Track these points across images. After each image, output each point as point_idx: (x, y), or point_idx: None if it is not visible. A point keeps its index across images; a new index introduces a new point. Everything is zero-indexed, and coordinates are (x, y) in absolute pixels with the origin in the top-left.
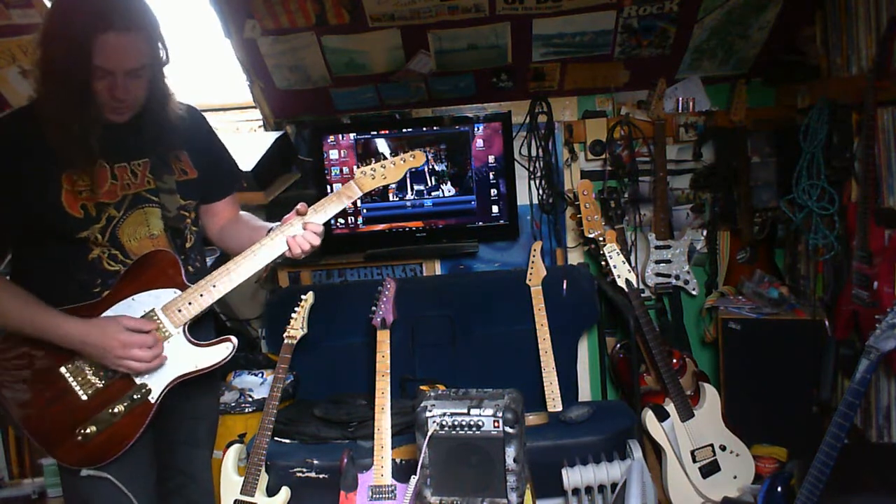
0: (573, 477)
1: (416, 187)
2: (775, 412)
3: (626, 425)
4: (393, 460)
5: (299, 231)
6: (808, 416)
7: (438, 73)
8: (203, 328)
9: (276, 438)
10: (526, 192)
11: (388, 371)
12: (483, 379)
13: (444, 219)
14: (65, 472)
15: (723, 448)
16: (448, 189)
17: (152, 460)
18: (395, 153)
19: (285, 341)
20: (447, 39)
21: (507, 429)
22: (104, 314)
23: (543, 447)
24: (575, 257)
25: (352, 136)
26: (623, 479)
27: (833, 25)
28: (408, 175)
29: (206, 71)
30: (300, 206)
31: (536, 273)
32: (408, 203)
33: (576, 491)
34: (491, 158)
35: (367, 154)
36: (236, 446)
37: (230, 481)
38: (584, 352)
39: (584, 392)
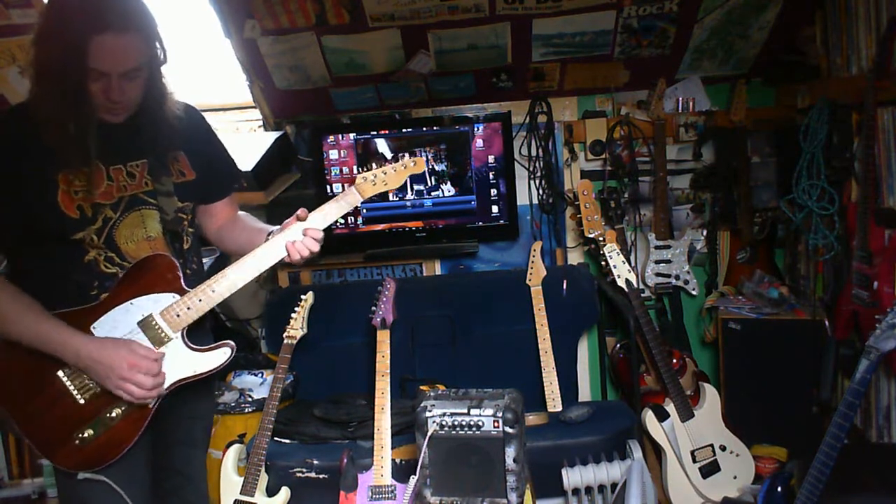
0: (573, 477)
1: (415, 187)
2: (775, 412)
3: (626, 425)
4: (393, 460)
5: (299, 237)
6: (808, 416)
7: (438, 73)
8: (201, 331)
9: (275, 438)
10: (526, 192)
11: (388, 371)
12: (483, 379)
13: (444, 219)
14: (61, 475)
15: (723, 448)
16: (448, 189)
17: (149, 462)
18: (395, 153)
19: (285, 341)
20: (447, 39)
21: (507, 429)
22: (102, 318)
23: (543, 447)
24: (575, 257)
25: (352, 136)
26: (623, 480)
27: (833, 25)
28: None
29: (206, 71)
30: (300, 211)
31: (536, 273)
32: (408, 203)
33: (576, 491)
34: (491, 158)
35: (366, 154)
36: (236, 446)
37: (230, 481)
38: (584, 352)
39: (584, 392)
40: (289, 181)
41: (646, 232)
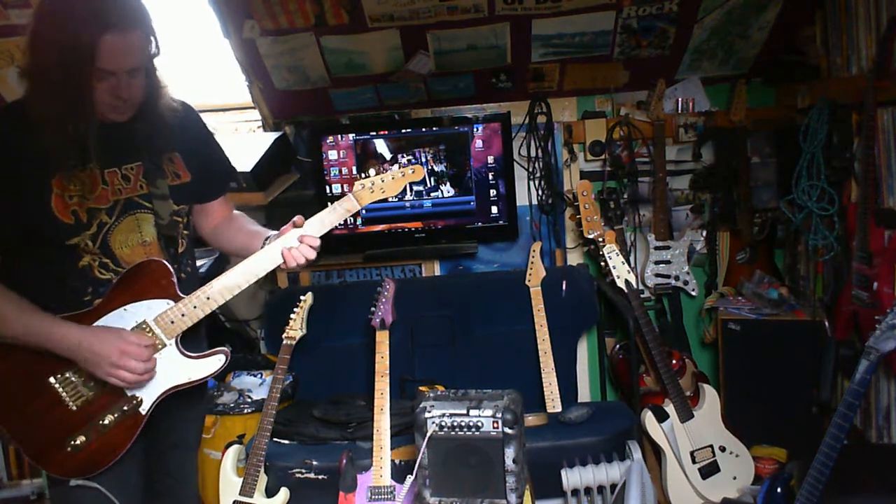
0: (572, 478)
1: (415, 188)
2: (775, 413)
3: (625, 426)
4: (392, 461)
5: (295, 243)
6: (807, 416)
7: (438, 73)
8: (195, 337)
9: (275, 439)
10: (525, 193)
11: (388, 372)
12: (482, 379)
13: (444, 219)
14: (53, 482)
15: (722, 449)
16: (447, 190)
17: (142, 468)
18: (394, 154)
19: (284, 342)
20: (446, 40)
21: (507, 429)
22: (95, 324)
23: (543, 448)
24: (574, 258)
25: (351, 136)
26: (622, 480)
27: (833, 25)
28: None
29: (205, 71)
30: (297, 218)
31: (536, 274)
32: (407, 204)
33: (575, 492)
34: (490, 159)
35: (366, 155)
36: (235, 447)
37: (229, 482)
38: (584, 352)
39: (584, 393)
40: (288, 182)
41: (645, 232)
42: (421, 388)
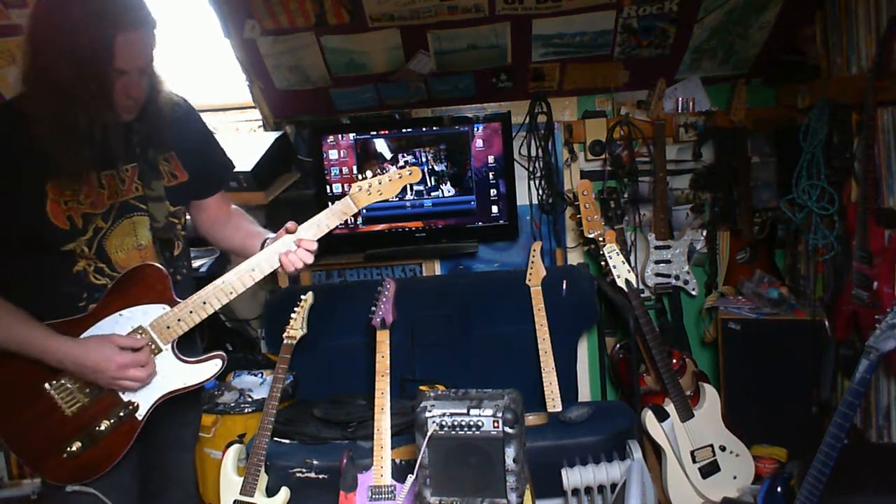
0: (573, 477)
1: (415, 188)
2: (775, 412)
3: (625, 426)
4: (392, 461)
5: (293, 247)
6: (808, 416)
7: (438, 73)
8: (191, 342)
9: (275, 439)
10: (525, 193)
11: (388, 371)
12: (483, 379)
13: (444, 219)
14: (49, 488)
15: (722, 448)
16: (448, 189)
17: (137, 472)
18: (394, 154)
19: (285, 341)
20: (447, 39)
21: (507, 429)
22: (90, 330)
23: (543, 447)
24: (575, 257)
25: (351, 136)
26: (623, 480)
27: (833, 25)
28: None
29: (205, 71)
30: (290, 224)
31: (536, 273)
32: (407, 203)
33: (575, 491)
34: (490, 158)
35: (366, 154)
36: (236, 446)
37: (230, 481)
38: (584, 352)
39: (584, 392)
40: (288, 181)
41: (645, 232)
42: (421, 387)
